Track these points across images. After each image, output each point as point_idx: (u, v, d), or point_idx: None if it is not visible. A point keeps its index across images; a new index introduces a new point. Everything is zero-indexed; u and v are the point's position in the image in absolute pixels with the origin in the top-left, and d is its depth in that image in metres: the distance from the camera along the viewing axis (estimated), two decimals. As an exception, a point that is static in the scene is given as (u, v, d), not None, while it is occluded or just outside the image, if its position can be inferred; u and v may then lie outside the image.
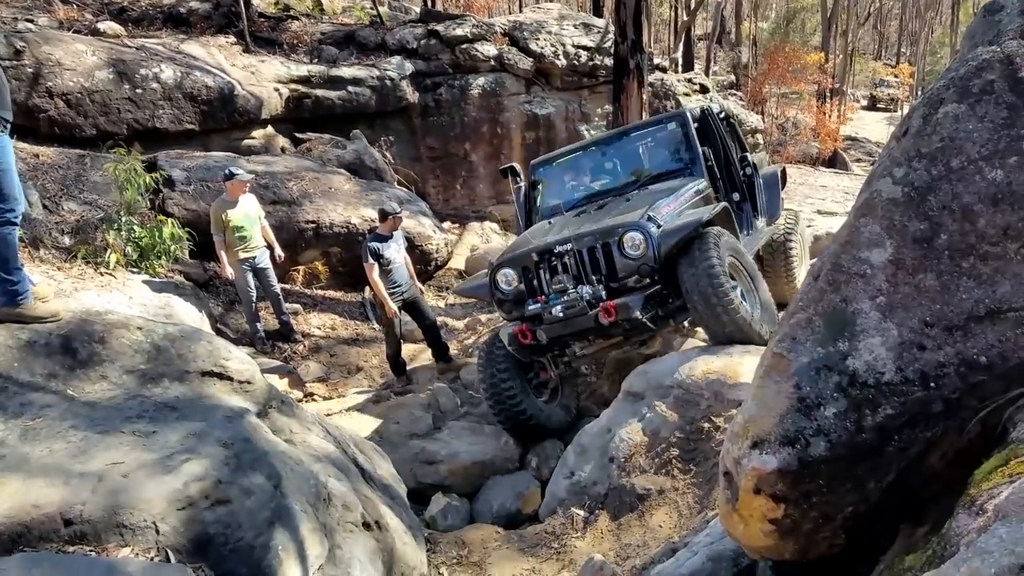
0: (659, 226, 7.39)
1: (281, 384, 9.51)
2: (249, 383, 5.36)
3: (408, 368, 10.98)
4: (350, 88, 17.57)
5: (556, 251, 7.67)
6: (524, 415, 8.06)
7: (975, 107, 2.62)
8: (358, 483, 5.48)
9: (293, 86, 16.90)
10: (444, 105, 19.18)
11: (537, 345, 7.85)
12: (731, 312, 6.97)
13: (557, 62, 19.83)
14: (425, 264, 14.35)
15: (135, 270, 10.61)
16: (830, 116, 36.85)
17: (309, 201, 13.38)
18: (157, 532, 3.71)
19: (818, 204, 20.65)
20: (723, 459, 2.96)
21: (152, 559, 3.61)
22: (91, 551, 3.56)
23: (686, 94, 22.31)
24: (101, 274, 10.01)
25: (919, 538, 2.49)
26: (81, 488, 3.75)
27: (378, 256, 9.83)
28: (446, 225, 17.32)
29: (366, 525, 5.02)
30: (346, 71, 17.75)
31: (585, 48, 20.27)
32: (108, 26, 15.75)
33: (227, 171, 10.76)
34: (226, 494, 4.02)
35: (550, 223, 8.82)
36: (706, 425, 6.45)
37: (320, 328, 12.44)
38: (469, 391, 10.00)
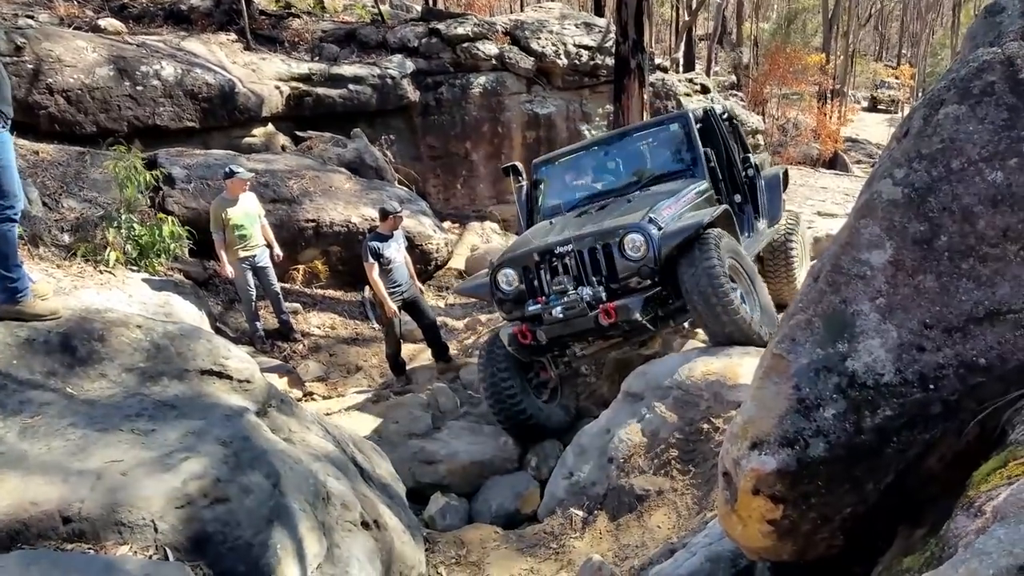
0: (660, 228, 7.40)
1: (280, 383, 9.51)
2: (248, 382, 5.36)
3: (408, 368, 10.98)
4: (351, 86, 17.56)
5: (557, 252, 7.68)
6: (524, 415, 8.06)
7: (976, 108, 2.62)
8: (357, 482, 5.48)
9: (294, 84, 16.89)
10: (445, 104, 19.17)
11: (537, 345, 7.86)
12: (731, 313, 6.98)
13: (558, 61, 19.83)
14: (425, 264, 14.35)
15: (135, 268, 10.60)
16: (831, 117, 36.85)
17: (309, 200, 13.37)
18: (156, 530, 3.71)
19: (818, 206, 20.63)
20: (722, 460, 2.96)
21: (151, 557, 3.61)
22: (89, 549, 3.56)
23: (687, 94, 22.30)
24: (101, 272, 10.00)
25: (917, 539, 2.49)
26: (80, 486, 3.75)
27: (378, 255, 9.82)
28: (446, 225, 17.32)
29: (365, 524, 5.02)
30: (347, 69, 17.73)
31: (586, 48, 20.27)
32: (109, 23, 15.76)
33: (227, 169, 10.75)
34: (225, 492, 4.02)
35: (551, 223, 8.82)
36: (705, 426, 6.45)
37: (320, 327, 12.43)
38: (468, 391, 10.00)
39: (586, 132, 18.53)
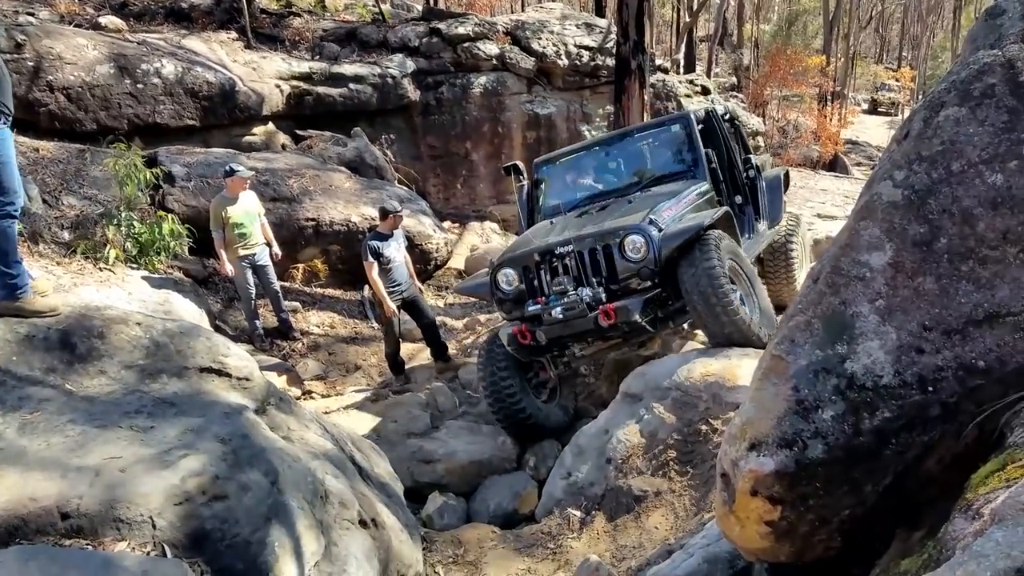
0: (660, 229, 7.41)
1: (279, 381, 9.51)
2: (247, 380, 5.37)
3: (406, 367, 10.99)
4: (351, 85, 17.55)
5: (557, 252, 7.68)
6: (523, 414, 8.07)
7: (976, 111, 2.62)
8: (355, 481, 5.48)
9: (294, 83, 16.89)
10: (445, 104, 19.17)
11: (536, 346, 7.86)
12: (730, 313, 6.99)
13: (559, 62, 19.83)
14: (425, 263, 14.35)
15: (134, 266, 10.60)
16: (831, 119, 36.85)
17: (309, 198, 13.37)
18: (154, 527, 3.71)
19: (818, 208, 20.62)
20: (720, 461, 2.96)
21: (148, 554, 3.61)
22: (88, 545, 3.57)
23: (687, 95, 22.30)
24: (100, 269, 10.00)
25: (915, 542, 2.49)
26: (78, 482, 3.75)
27: (378, 254, 9.82)
28: (446, 224, 17.32)
29: (363, 523, 5.02)
30: (347, 68, 17.73)
31: (587, 48, 20.27)
32: (109, 20, 15.76)
33: (228, 167, 10.75)
34: (223, 490, 4.03)
35: (552, 223, 8.82)
36: (704, 427, 6.46)
37: (319, 326, 12.44)
38: (467, 391, 10.01)
39: (586, 133, 18.53)
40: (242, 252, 10.65)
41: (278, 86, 16.49)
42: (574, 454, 7.22)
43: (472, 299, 13.29)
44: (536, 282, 7.84)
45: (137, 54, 14.27)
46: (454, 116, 19.26)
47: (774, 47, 39.81)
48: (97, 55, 13.58)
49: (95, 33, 14.66)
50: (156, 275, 10.71)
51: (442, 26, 19.52)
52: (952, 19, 59.48)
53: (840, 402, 2.56)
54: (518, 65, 19.50)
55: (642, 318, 7.32)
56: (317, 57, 18.11)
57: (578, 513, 6.58)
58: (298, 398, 9.08)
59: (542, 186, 9.94)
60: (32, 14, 14.49)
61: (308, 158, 15.21)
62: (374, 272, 9.81)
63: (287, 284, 12.83)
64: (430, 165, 19.43)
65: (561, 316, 7.48)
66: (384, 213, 10.16)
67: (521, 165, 10.23)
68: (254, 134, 16.13)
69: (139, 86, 13.92)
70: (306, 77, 17.12)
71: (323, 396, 10.31)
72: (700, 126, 9.18)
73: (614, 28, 17.63)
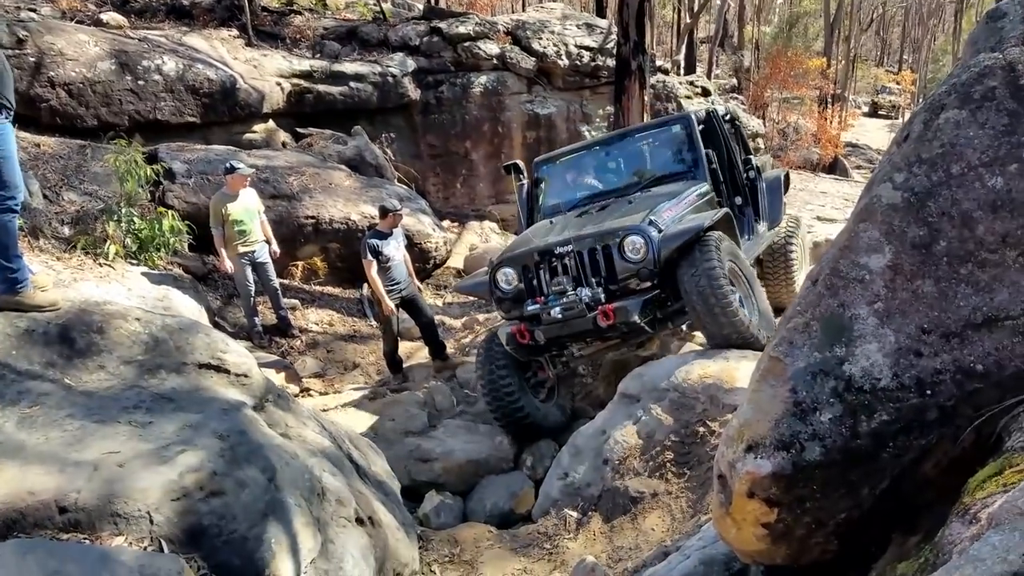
0: (660, 230, 7.41)
1: (278, 379, 9.49)
2: (246, 376, 5.37)
3: (404, 365, 10.99)
4: (352, 84, 17.54)
5: (556, 252, 7.68)
6: (521, 413, 8.07)
7: (976, 113, 2.62)
8: (352, 479, 5.49)
9: (295, 81, 16.88)
10: (445, 103, 19.15)
11: (535, 345, 7.86)
12: (729, 315, 6.99)
13: (559, 62, 19.82)
14: (424, 262, 14.33)
15: (134, 262, 10.61)
16: (831, 122, 36.83)
17: (309, 196, 13.37)
18: (151, 522, 3.72)
19: (818, 210, 20.63)
20: (717, 462, 2.96)
21: (146, 549, 3.62)
22: (85, 539, 3.57)
23: (687, 97, 22.29)
24: (100, 265, 10.01)
25: (911, 546, 2.49)
26: (76, 476, 3.76)
27: (377, 253, 9.82)
28: (445, 224, 17.30)
29: (359, 521, 5.03)
30: (348, 67, 17.71)
31: (587, 48, 20.25)
32: (111, 17, 15.74)
33: (228, 164, 10.75)
34: (221, 486, 4.03)
35: (551, 222, 8.81)
36: (701, 429, 6.46)
37: (318, 324, 12.43)
38: (465, 390, 10.01)
39: (586, 133, 18.53)
40: (242, 249, 10.66)
41: (279, 84, 16.48)
42: (571, 454, 7.23)
43: (470, 298, 13.30)
44: (535, 282, 7.83)
45: (138, 51, 14.26)
46: (454, 115, 19.24)
47: (775, 49, 39.80)
48: (98, 51, 13.57)
49: (96, 29, 14.64)
50: (156, 271, 10.72)
51: (443, 25, 19.51)
52: (953, 22, 59.42)
53: (838, 404, 2.56)
54: (518, 65, 19.49)
55: (641, 319, 7.33)
56: (318, 55, 18.10)
57: (574, 514, 6.58)
58: (296, 395, 9.07)
59: (542, 185, 9.94)
60: (34, 10, 14.48)
61: (308, 156, 15.21)
62: (373, 270, 9.81)
63: (286, 282, 12.82)
64: (430, 164, 19.41)
65: (560, 316, 7.48)
66: (384, 211, 10.16)
67: (521, 164, 10.23)
68: (254, 132, 16.11)
69: (140, 83, 13.91)
70: (307, 75, 17.11)
71: (321, 394, 10.31)
72: (701, 126, 9.18)
73: (615, 29, 17.65)
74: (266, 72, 16.40)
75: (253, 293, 11.03)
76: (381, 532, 5.27)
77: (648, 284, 7.49)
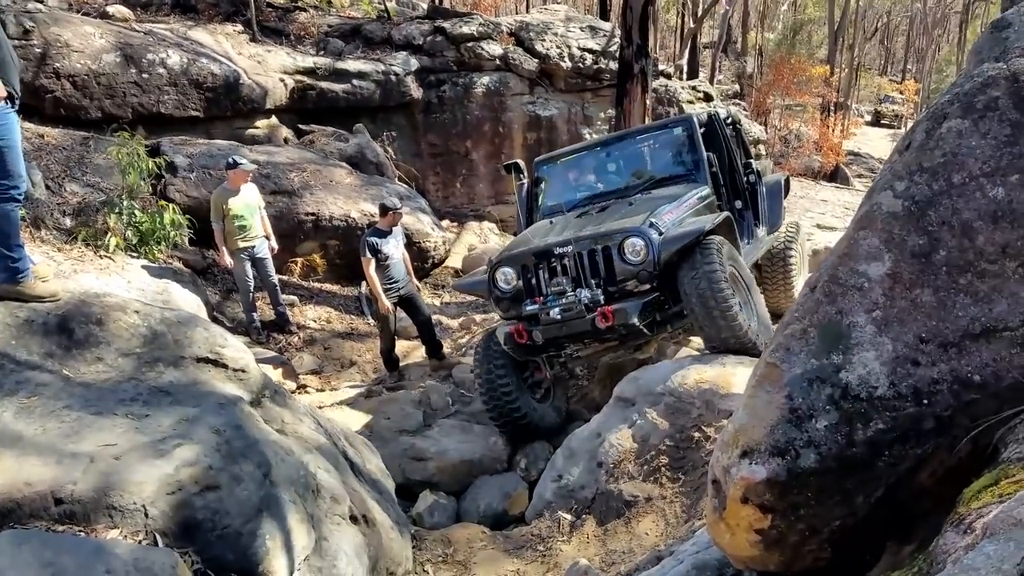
0: (661, 233, 7.41)
1: (275, 375, 9.51)
2: (243, 371, 5.36)
3: (401, 364, 10.99)
4: (354, 82, 17.57)
5: (556, 252, 7.67)
6: (518, 412, 8.07)
7: (979, 123, 2.62)
8: (347, 476, 5.49)
9: (298, 77, 16.90)
10: (447, 102, 19.18)
11: (533, 345, 7.86)
12: (728, 318, 6.99)
13: (562, 64, 19.84)
14: (422, 261, 14.32)
15: (134, 254, 10.63)
16: (833, 130, 36.82)
17: (309, 193, 13.38)
18: (146, 515, 3.72)
19: (818, 218, 20.66)
20: (712, 467, 2.96)
21: (140, 542, 3.62)
22: (80, 531, 3.57)
23: (690, 101, 22.33)
24: (101, 257, 10.02)
25: (905, 555, 2.49)
26: (73, 468, 3.76)
27: (376, 251, 9.82)
28: (444, 223, 17.31)
29: (353, 519, 5.03)
30: (351, 64, 17.74)
31: (590, 51, 20.27)
32: (117, 9, 15.77)
33: (230, 159, 10.75)
34: (216, 480, 4.03)
35: (551, 222, 8.81)
36: (696, 434, 6.47)
37: (315, 321, 12.44)
38: (461, 389, 10.01)
39: (587, 135, 18.56)
40: (241, 244, 10.66)
41: (282, 80, 16.49)
42: (565, 457, 7.23)
43: (468, 298, 13.33)
44: (534, 282, 7.83)
45: (143, 44, 14.27)
46: (455, 115, 19.28)
47: (778, 56, 39.81)
48: (104, 44, 13.58)
49: (102, 21, 14.67)
50: (156, 264, 10.73)
51: (447, 25, 19.53)
52: (958, 33, 59.57)
53: (834, 412, 2.55)
54: (521, 66, 19.52)
55: (640, 321, 7.33)
56: (322, 52, 18.12)
57: (568, 516, 6.58)
58: (293, 392, 9.06)
59: (542, 185, 9.94)
60: (41, 1, 14.48)
61: (310, 152, 15.22)
62: (371, 268, 9.81)
63: (285, 278, 12.83)
64: (430, 163, 19.44)
65: (559, 317, 7.48)
66: (384, 209, 10.17)
67: (522, 164, 10.23)
68: (257, 127, 16.13)
69: (144, 76, 13.91)
70: (310, 72, 17.14)
71: (318, 390, 10.32)
72: (702, 129, 9.18)
73: (618, 32, 17.66)
74: (270, 68, 16.42)
75: (252, 288, 11.04)
76: (375, 531, 5.28)
77: (647, 286, 7.49)
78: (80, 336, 4.90)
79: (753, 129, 25.86)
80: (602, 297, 7.44)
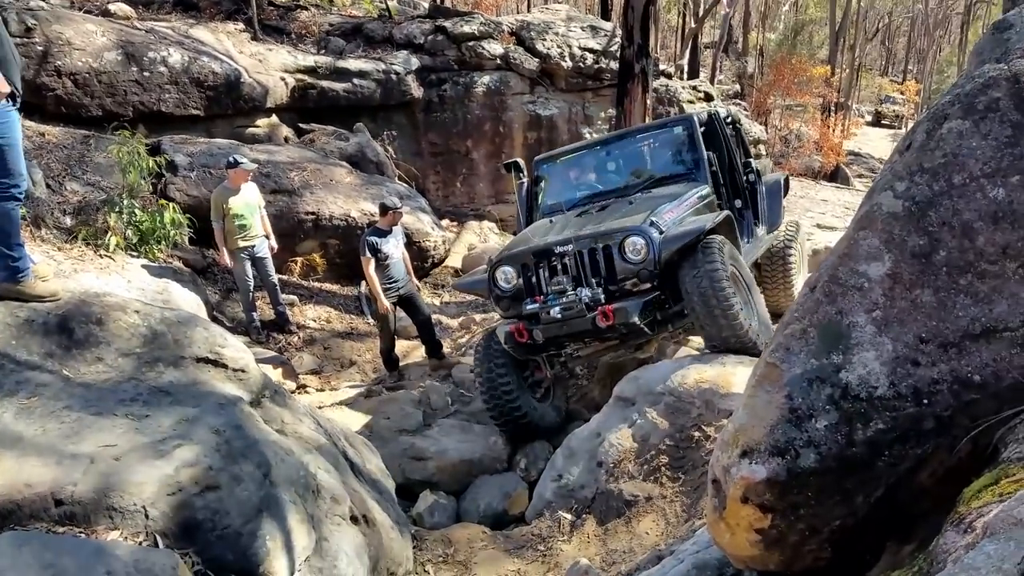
0: (661, 232, 7.41)
1: (275, 375, 9.51)
2: (243, 371, 5.36)
3: (401, 364, 10.99)
4: (355, 80, 17.56)
5: (556, 251, 7.67)
6: (519, 411, 8.07)
7: (979, 124, 2.61)
8: (347, 476, 5.49)
9: (299, 76, 16.89)
10: (448, 101, 19.17)
11: (533, 344, 7.85)
12: (730, 317, 6.99)
13: (563, 63, 19.83)
14: (422, 261, 14.32)
15: (134, 254, 10.62)
16: (834, 130, 36.81)
17: (310, 192, 13.37)
18: (146, 516, 3.72)
19: (818, 218, 20.66)
20: (712, 467, 2.96)
21: (140, 543, 3.62)
22: (80, 532, 3.57)
23: (690, 101, 22.31)
24: (101, 256, 10.02)
25: (905, 555, 2.49)
26: (73, 469, 3.76)
27: (376, 250, 9.82)
28: (444, 223, 17.30)
29: (354, 519, 5.03)
30: (352, 63, 17.74)
31: (591, 51, 20.26)
32: (118, 7, 15.76)
33: (231, 159, 10.74)
34: (216, 481, 4.03)
35: (551, 221, 8.80)
36: (696, 434, 6.46)
37: (315, 320, 12.44)
38: (460, 389, 10.01)
39: (588, 135, 18.56)
40: (241, 244, 10.66)
41: (283, 79, 16.48)
42: (565, 456, 7.22)
43: (468, 298, 13.33)
44: (535, 281, 7.82)
45: (145, 42, 14.26)
46: (456, 114, 19.27)
47: (779, 56, 39.83)
48: (105, 41, 13.58)
49: (104, 19, 14.66)
50: (156, 264, 10.73)
51: (448, 24, 19.52)
52: (959, 34, 59.55)
53: (834, 412, 2.55)
54: (522, 65, 19.51)
55: (641, 320, 7.32)
56: (322, 51, 18.12)
57: (568, 516, 6.58)
58: (293, 392, 9.07)
59: (542, 184, 9.93)
60: (42, -1, 14.50)
61: (310, 151, 15.21)
62: (371, 268, 9.81)
63: (285, 277, 12.82)
64: (430, 162, 19.43)
65: (559, 316, 7.48)
66: (384, 209, 10.17)
67: (521, 162, 10.23)
68: (257, 126, 16.12)
69: (145, 74, 13.91)
70: (311, 71, 17.13)
71: (317, 390, 10.32)
72: (702, 128, 9.18)
73: (619, 31, 17.68)
74: (271, 66, 16.42)
75: (252, 288, 11.03)
76: (375, 531, 5.27)
77: (648, 285, 7.49)
78: (80, 336, 4.89)
79: (754, 129, 25.86)
80: (603, 296, 7.43)
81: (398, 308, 10.33)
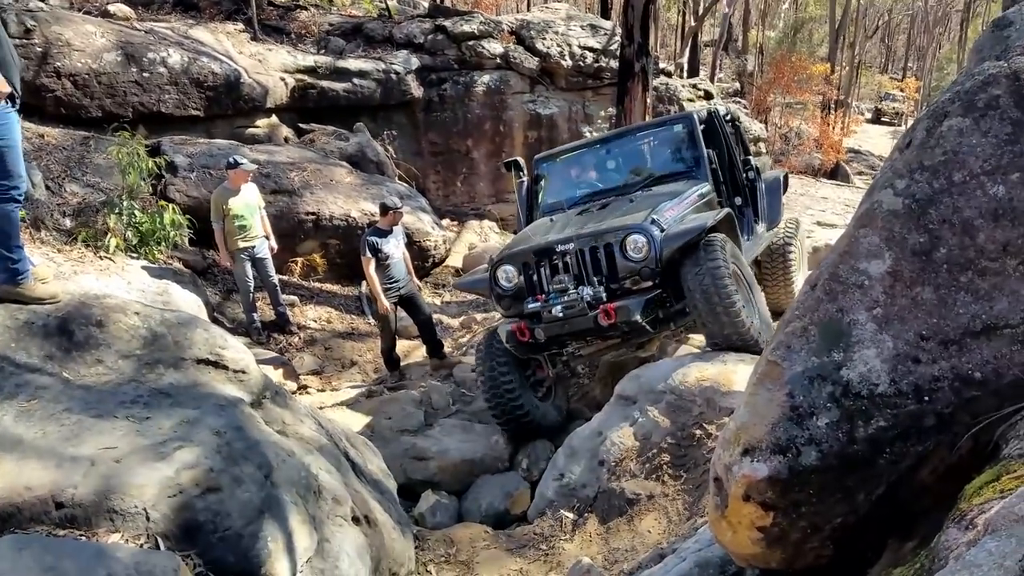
0: (663, 229, 7.40)
1: (275, 375, 9.49)
2: (244, 372, 5.35)
3: (402, 364, 10.99)
4: (355, 80, 17.57)
5: (558, 250, 7.66)
6: (521, 411, 8.06)
7: (979, 122, 2.61)
8: (349, 477, 5.48)
9: (299, 76, 16.90)
10: (448, 101, 19.17)
11: (535, 343, 7.85)
12: (731, 314, 6.98)
13: (563, 62, 19.82)
14: (423, 260, 14.32)
15: (134, 255, 10.62)
16: (834, 128, 36.77)
17: (310, 192, 13.37)
18: (147, 519, 3.71)
19: (818, 215, 20.67)
20: (714, 465, 2.96)
21: (141, 545, 3.61)
22: (81, 535, 3.57)
23: (690, 99, 22.29)
24: (101, 258, 10.02)
25: (907, 552, 2.49)
26: (73, 472, 3.75)
27: (376, 250, 9.82)
28: (445, 222, 17.29)
29: (355, 519, 5.02)
30: (352, 63, 17.74)
31: (591, 49, 20.24)
32: (118, 8, 15.77)
33: (231, 159, 10.73)
34: (217, 482, 4.02)
35: (552, 220, 8.78)
36: (697, 432, 6.46)
37: (316, 321, 12.43)
38: (462, 389, 10.00)
39: (588, 134, 18.55)
40: (242, 244, 10.66)
41: (283, 79, 16.49)
42: (567, 455, 7.22)
43: (468, 297, 13.33)
44: (536, 279, 7.81)
45: (144, 43, 14.27)
46: (456, 113, 19.27)
47: (779, 54, 39.81)
48: (105, 42, 13.58)
49: (103, 20, 14.67)
50: (156, 265, 10.73)
51: (447, 23, 19.52)
52: (959, 31, 59.50)
53: (835, 409, 2.55)
54: (522, 64, 19.51)
55: (642, 318, 7.32)
56: (322, 51, 18.13)
57: (570, 515, 6.58)
58: (294, 392, 9.06)
59: (542, 183, 9.92)
60: None
61: (310, 152, 15.21)
62: (371, 268, 9.81)
63: (285, 278, 12.82)
64: (431, 162, 19.43)
65: (561, 314, 7.47)
66: (384, 209, 10.17)
67: (521, 161, 10.22)
68: (257, 126, 16.13)
69: (145, 75, 13.92)
70: (311, 70, 17.15)
71: (318, 391, 10.31)
72: (702, 126, 9.17)
73: (619, 30, 17.67)
74: (271, 67, 16.43)
75: (252, 289, 11.03)
76: (377, 531, 5.27)
77: (650, 283, 7.48)
78: (80, 338, 4.89)
79: (753, 127, 25.86)
80: (604, 294, 7.42)
81: (399, 308, 10.33)
